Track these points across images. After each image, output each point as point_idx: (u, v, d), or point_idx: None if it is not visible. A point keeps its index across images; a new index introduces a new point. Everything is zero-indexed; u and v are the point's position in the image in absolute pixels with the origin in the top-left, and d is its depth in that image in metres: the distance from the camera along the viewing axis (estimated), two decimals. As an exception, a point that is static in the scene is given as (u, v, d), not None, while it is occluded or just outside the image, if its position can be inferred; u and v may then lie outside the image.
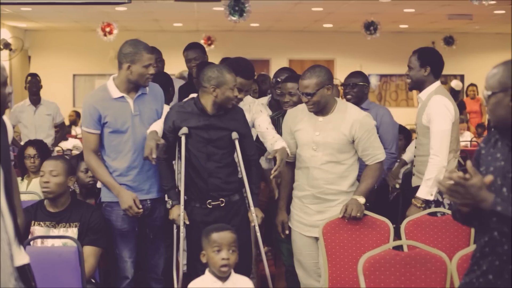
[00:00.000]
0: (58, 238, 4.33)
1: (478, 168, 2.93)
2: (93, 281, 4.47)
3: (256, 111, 4.76)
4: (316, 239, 4.60)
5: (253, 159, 4.53)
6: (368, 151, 4.54)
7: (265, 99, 5.83)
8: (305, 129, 4.58)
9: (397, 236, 4.66)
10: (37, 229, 4.43)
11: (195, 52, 6.37)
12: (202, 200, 4.39)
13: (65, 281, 4.04)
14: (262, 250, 4.42)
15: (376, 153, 4.56)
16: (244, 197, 4.55)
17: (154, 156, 4.21)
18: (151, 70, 4.52)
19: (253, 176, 4.51)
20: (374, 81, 16.44)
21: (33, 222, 4.45)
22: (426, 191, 4.64)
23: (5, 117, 3.29)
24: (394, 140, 5.50)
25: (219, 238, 3.66)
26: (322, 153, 4.52)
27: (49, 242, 4.37)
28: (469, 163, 2.72)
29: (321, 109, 4.54)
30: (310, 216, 4.60)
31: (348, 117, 4.52)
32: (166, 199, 4.55)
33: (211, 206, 4.38)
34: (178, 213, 4.36)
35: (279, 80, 5.46)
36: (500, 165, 2.88)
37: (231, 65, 4.63)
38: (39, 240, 4.37)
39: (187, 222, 4.35)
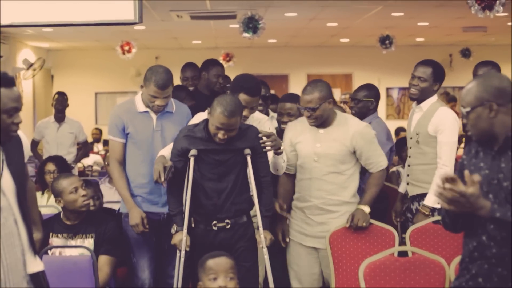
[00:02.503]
0: (74, 248, 4.50)
1: (462, 179, 3.08)
2: (108, 289, 4.63)
3: (265, 129, 4.61)
4: (315, 249, 4.70)
5: (264, 180, 4.39)
6: (371, 159, 4.64)
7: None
8: (306, 141, 4.68)
9: (404, 244, 4.73)
10: (55, 241, 4.60)
11: (192, 71, 6.57)
12: (208, 221, 4.29)
13: (81, 288, 4.19)
14: (270, 272, 4.26)
15: (379, 161, 4.66)
16: (251, 219, 4.44)
17: (162, 179, 4.16)
18: (158, 102, 4.60)
19: (264, 198, 4.35)
20: (395, 95, 16.49)
21: (51, 234, 4.61)
22: (434, 199, 4.69)
23: (21, 133, 3.46)
24: None
25: (214, 265, 3.44)
26: (324, 164, 4.61)
27: (67, 253, 4.51)
28: (466, 172, 2.84)
29: (322, 122, 4.62)
30: (312, 227, 4.68)
31: (348, 128, 4.61)
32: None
33: (216, 228, 4.28)
34: (181, 238, 4.25)
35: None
36: (485, 173, 3.01)
37: (236, 82, 4.66)
38: (57, 251, 4.52)
39: (187, 249, 4.23)
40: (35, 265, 3.23)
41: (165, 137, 4.68)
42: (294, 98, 5.23)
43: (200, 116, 4.69)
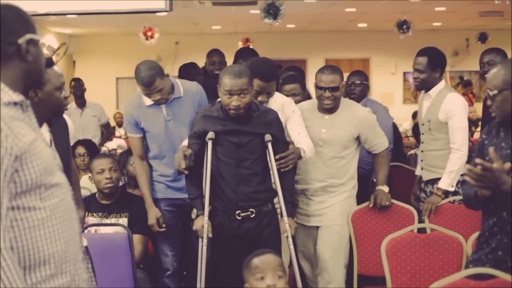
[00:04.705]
0: (110, 226, 4.68)
1: (484, 158, 3.21)
2: (141, 266, 4.81)
3: (289, 112, 4.56)
4: (316, 228, 4.82)
5: None
6: (374, 141, 4.80)
7: None
8: (312, 127, 4.74)
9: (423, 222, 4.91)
10: (91, 220, 4.78)
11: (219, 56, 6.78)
12: (231, 211, 4.15)
13: (117, 264, 4.36)
14: (295, 262, 4.21)
15: (382, 141, 4.83)
16: (275, 207, 4.32)
17: (183, 166, 4.09)
18: (153, 98, 4.60)
19: (286, 184, 4.25)
20: (411, 79, 16.53)
21: (87, 213, 4.79)
22: (448, 182, 4.87)
23: (67, 117, 3.68)
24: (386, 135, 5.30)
25: (261, 263, 3.10)
26: (328, 149, 4.74)
27: (102, 231, 4.70)
28: (491, 149, 3.00)
29: (335, 105, 4.75)
30: (311, 206, 4.82)
31: (353, 115, 4.75)
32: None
33: (240, 218, 4.16)
34: (202, 224, 4.14)
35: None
36: (506, 153, 3.15)
37: (250, 67, 4.45)
38: (93, 230, 4.70)
39: (210, 235, 4.12)
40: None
41: (180, 121, 4.70)
42: (295, 78, 5.31)
43: None
